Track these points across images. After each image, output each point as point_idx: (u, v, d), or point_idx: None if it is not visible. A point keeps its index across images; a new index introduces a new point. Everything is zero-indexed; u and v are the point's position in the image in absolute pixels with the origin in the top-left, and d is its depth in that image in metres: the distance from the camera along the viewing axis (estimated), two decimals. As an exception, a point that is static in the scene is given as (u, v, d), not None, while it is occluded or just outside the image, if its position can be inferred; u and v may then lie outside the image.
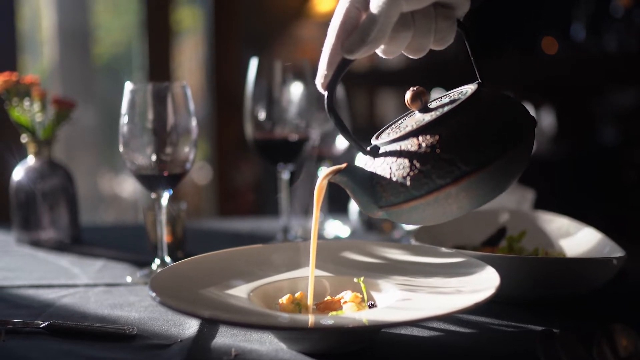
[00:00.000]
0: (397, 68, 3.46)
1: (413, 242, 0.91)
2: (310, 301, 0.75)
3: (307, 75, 1.16)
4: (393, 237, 1.25)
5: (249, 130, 1.17)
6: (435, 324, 0.74)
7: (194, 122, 0.96)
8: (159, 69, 3.12)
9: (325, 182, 0.70)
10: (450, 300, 0.68)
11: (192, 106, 0.96)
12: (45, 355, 0.66)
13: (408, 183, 0.66)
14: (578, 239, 0.95)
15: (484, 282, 0.69)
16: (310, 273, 0.75)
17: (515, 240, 0.95)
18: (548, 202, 1.22)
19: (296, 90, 1.16)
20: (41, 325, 0.73)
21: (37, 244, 1.19)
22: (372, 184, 0.69)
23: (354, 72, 3.41)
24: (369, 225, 1.28)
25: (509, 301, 0.81)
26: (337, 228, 1.31)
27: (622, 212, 2.68)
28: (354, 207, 1.30)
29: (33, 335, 0.72)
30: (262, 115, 1.15)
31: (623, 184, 2.83)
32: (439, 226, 1.03)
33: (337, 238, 1.25)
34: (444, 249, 0.82)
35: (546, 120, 2.97)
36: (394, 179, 0.67)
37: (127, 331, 0.71)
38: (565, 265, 0.79)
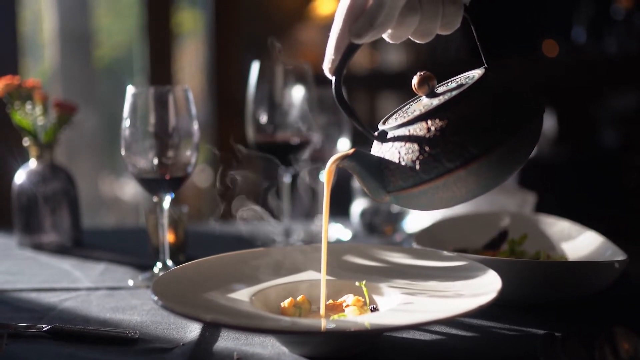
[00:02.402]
0: (398, 70, 3.46)
1: (415, 245, 0.91)
2: (323, 298, 0.74)
3: (308, 79, 1.16)
4: (394, 240, 1.25)
5: (250, 133, 1.17)
6: (437, 328, 0.74)
7: (195, 126, 0.96)
8: (160, 72, 3.13)
9: (334, 167, 0.70)
10: (452, 303, 0.68)
11: (193, 109, 0.96)
12: (47, 358, 0.66)
13: (417, 167, 0.66)
14: (580, 242, 0.95)
15: (486, 286, 0.69)
16: (322, 259, 0.74)
17: (516, 243, 0.95)
18: (549, 205, 1.22)
19: (297, 93, 1.16)
20: (43, 329, 0.73)
21: (38, 247, 1.19)
22: (380, 169, 0.69)
23: (354, 75, 3.41)
24: (371, 228, 1.28)
25: (511, 304, 0.81)
26: (338, 231, 1.31)
27: (623, 215, 2.68)
28: (355, 210, 1.30)
29: (35, 338, 0.72)
30: (263, 118, 1.15)
31: (624, 186, 2.83)
32: (440, 230, 1.03)
33: (338, 241, 1.25)
34: (445, 253, 0.82)
35: (547, 122, 2.97)
36: (403, 163, 0.67)
37: (129, 335, 0.72)
38: (567, 269, 0.79)
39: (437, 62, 3.22)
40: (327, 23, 0.70)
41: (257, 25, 3.46)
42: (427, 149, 0.65)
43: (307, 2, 3.61)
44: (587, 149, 3.10)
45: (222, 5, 3.38)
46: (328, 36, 0.70)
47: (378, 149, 0.71)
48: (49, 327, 0.73)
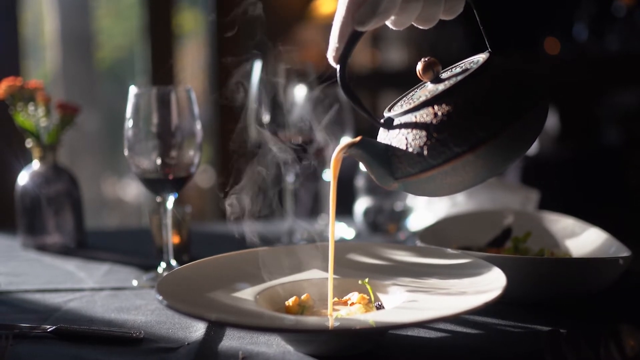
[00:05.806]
0: (399, 69, 3.46)
1: (418, 243, 0.91)
2: (330, 295, 0.74)
3: (310, 78, 1.15)
4: (398, 238, 1.25)
5: (252, 133, 1.16)
6: (442, 325, 0.74)
7: (198, 126, 0.96)
8: (162, 72, 3.13)
9: (341, 155, 0.70)
10: (457, 301, 0.68)
11: (196, 109, 0.96)
12: (52, 359, 0.66)
13: (425, 152, 0.65)
14: (583, 239, 0.95)
15: (490, 283, 0.69)
16: (330, 252, 0.74)
17: (520, 241, 0.95)
18: (552, 202, 1.22)
19: (300, 93, 1.16)
20: (48, 330, 0.73)
21: (42, 248, 1.19)
22: (387, 156, 0.69)
23: (356, 74, 3.41)
24: (374, 227, 1.28)
25: (515, 302, 0.81)
26: (342, 230, 1.31)
27: (626, 212, 2.68)
28: (358, 208, 1.30)
29: (40, 339, 0.72)
30: (265, 118, 1.15)
31: (626, 184, 2.83)
32: (444, 228, 1.03)
33: (342, 240, 1.25)
34: (449, 250, 0.82)
35: (549, 120, 2.97)
36: (410, 149, 0.66)
37: (134, 335, 0.72)
38: (571, 266, 0.79)
39: (439, 60, 3.22)
40: (328, 22, 0.70)
41: (258, 25, 3.46)
42: (434, 134, 0.65)
43: (308, 2, 3.61)
44: (589, 147, 3.09)
45: (222, 6, 3.38)
46: (329, 34, 0.70)
47: (384, 136, 0.70)
48: (54, 327, 0.73)
